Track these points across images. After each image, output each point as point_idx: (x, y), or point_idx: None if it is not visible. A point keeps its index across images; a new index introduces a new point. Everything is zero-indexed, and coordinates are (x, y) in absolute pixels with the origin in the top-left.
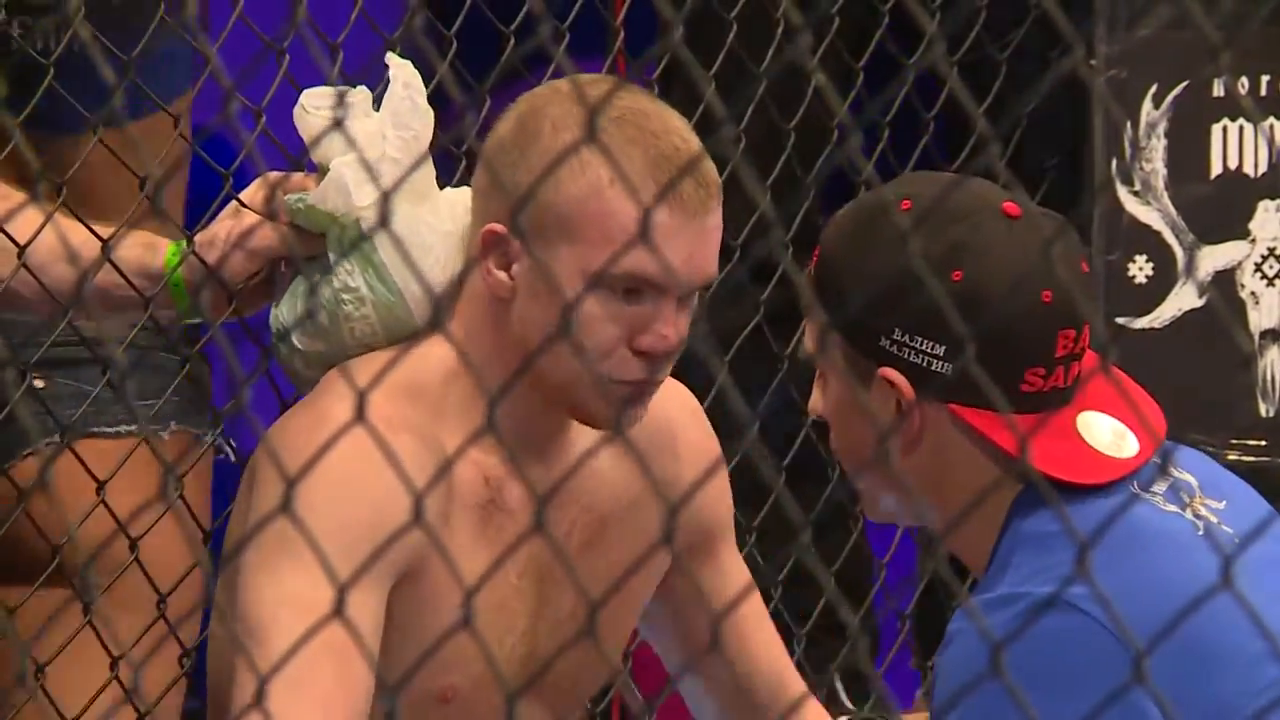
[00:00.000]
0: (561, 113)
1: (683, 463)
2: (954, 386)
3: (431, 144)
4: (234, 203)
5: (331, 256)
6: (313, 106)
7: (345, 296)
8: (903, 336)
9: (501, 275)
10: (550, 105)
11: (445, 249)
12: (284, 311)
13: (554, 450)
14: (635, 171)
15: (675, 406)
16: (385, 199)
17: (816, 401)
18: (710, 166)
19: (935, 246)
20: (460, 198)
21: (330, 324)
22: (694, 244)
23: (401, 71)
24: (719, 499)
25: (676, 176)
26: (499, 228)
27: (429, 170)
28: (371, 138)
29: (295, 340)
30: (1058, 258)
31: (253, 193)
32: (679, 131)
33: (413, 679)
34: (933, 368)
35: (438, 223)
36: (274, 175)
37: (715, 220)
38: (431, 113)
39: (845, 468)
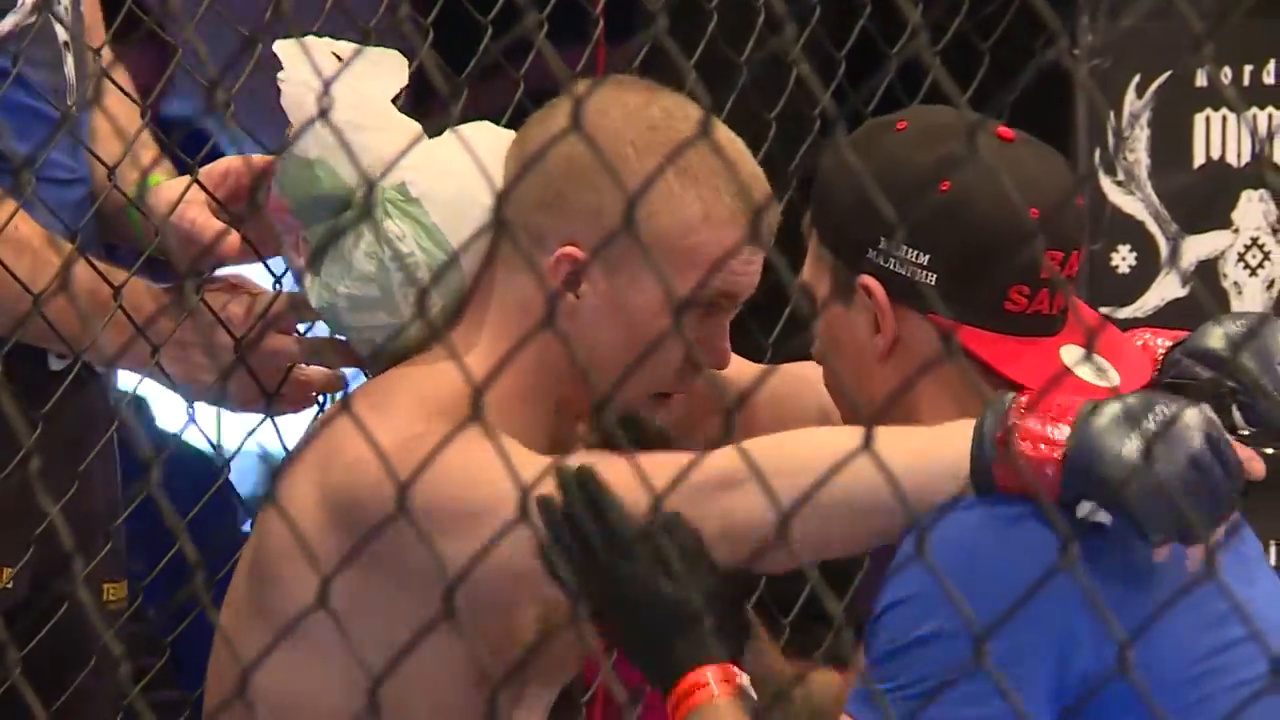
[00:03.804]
0: (641, 139)
1: None
2: (935, 298)
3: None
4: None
5: (380, 223)
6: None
7: (399, 264)
8: (888, 245)
9: (570, 295)
10: (625, 127)
11: (489, 197)
12: (326, 285)
13: (571, 447)
14: (725, 205)
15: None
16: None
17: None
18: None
19: (926, 158)
20: (486, 140)
21: (384, 294)
22: (759, 264)
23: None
24: None
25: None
26: (577, 252)
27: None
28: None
29: (348, 318)
30: (1048, 180)
31: (218, 179)
32: (747, 153)
33: (449, 665)
34: (917, 278)
35: (479, 174)
36: (246, 165)
37: None
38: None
39: (840, 408)
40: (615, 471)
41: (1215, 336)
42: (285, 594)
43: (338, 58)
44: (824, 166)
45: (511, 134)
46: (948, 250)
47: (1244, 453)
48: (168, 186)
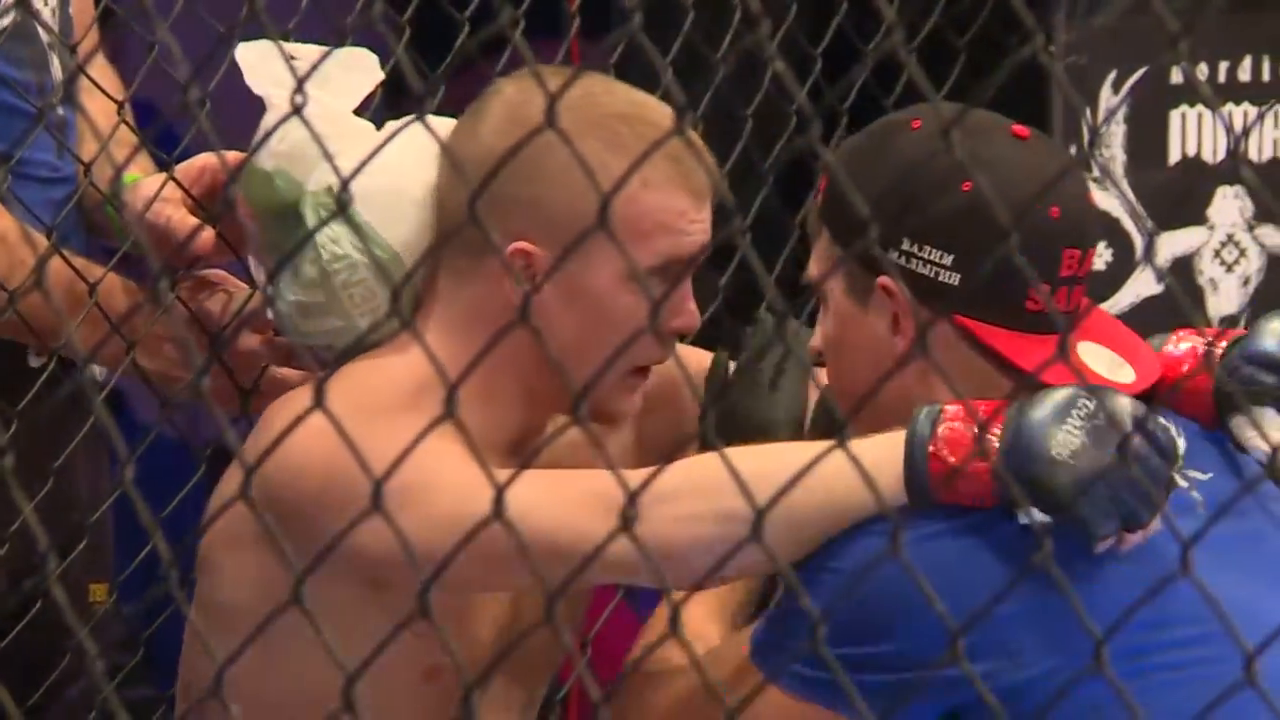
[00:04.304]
0: (565, 122)
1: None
2: (960, 299)
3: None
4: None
5: (312, 228)
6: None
7: (337, 266)
8: (910, 246)
9: (524, 289)
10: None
11: (425, 192)
12: (277, 293)
13: (533, 445)
14: (660, 169)
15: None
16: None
17: (818, 338)
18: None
19: (945, 159)
20: (422, 134)
21: (329, 298)
22: (706, 220)
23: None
24: None
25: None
26: (528, 246)
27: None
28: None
29: (297, 326)
30: (1066, 178)
31: (195, 176)
32: (670, 115)
33: (399, 660)
34: (940, 278)
35: (414, 168)
36: (223, 162)
37: None
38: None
39: (841, 402)
40: (566, 483)
41: (1273, 337)
42: (221, 583)
43: (292, 63)
44: (837, 167)
45: (452, 123)
46: (970, 251)
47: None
48: (145, 183)
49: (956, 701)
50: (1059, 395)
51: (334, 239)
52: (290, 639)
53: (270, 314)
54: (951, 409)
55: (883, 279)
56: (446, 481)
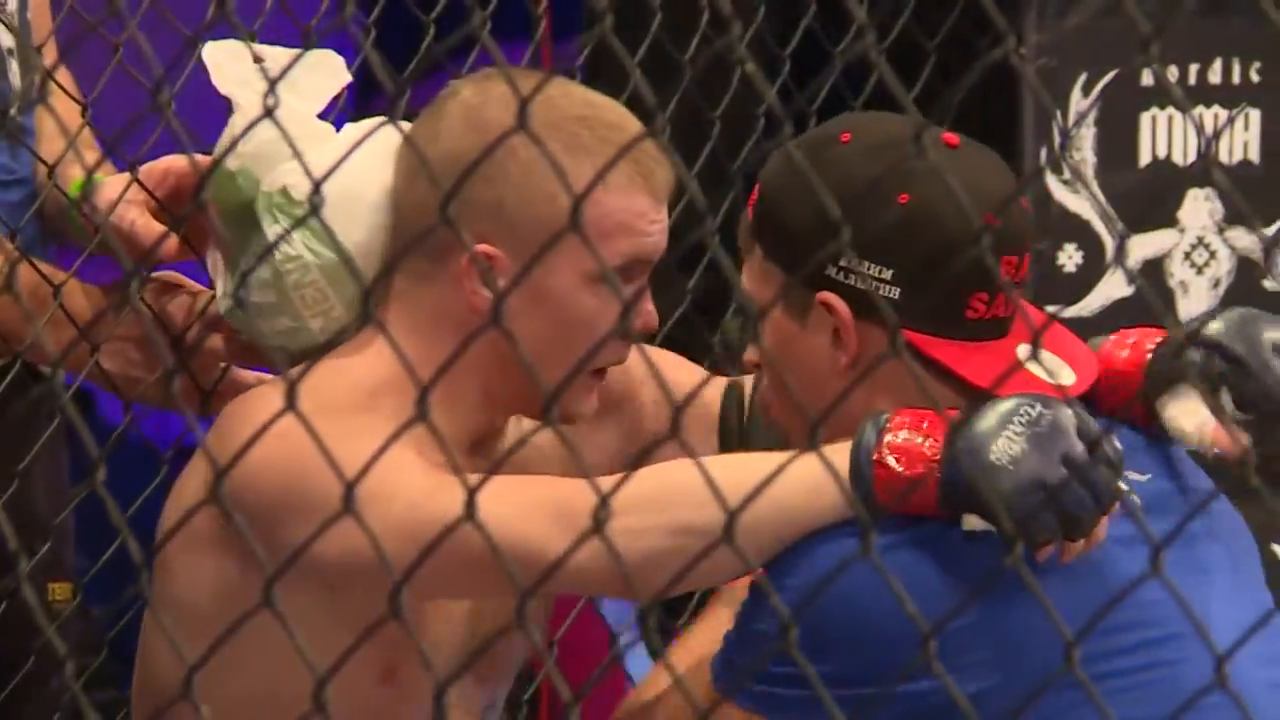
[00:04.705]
0: (528, 126)
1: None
2: (899, 311)
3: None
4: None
5: (266, 229)
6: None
7: (289, 267)
8: (849, 261)
9: (487, 293)
10: (505, 116)
11: (380, 195)
12: (228, 294)
13: (490, 449)
14: (620, 170)
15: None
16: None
17: (752, 351)
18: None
19: (879, 170)
20: (380, 137)
21: (281, 299)
22: (665, 221)
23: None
24: None
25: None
26: (490, 249)
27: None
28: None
29: (249, 325)
30: (998, 184)
31: (159, 178)
32: (627, 116)
33: (355, 662)
34: (880, 292)
35: (368, 171)
36: (187, 164)
37: None
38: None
39: (778, 416)
40: (527, 491)
41: (1205, 324)
42: (179, 583)
43: (259, 64)
44: (770, 183)
45: (407, 127)
46: (910, 263)
47: (1229, 431)
48: (108, 184)
49: (904, 715)
50: (1003, 404)
51: (287, 240)
52: (247, 641)
53: (221, 312)
54: (898, 418)
55: (823, 295)
56: (403, 486)
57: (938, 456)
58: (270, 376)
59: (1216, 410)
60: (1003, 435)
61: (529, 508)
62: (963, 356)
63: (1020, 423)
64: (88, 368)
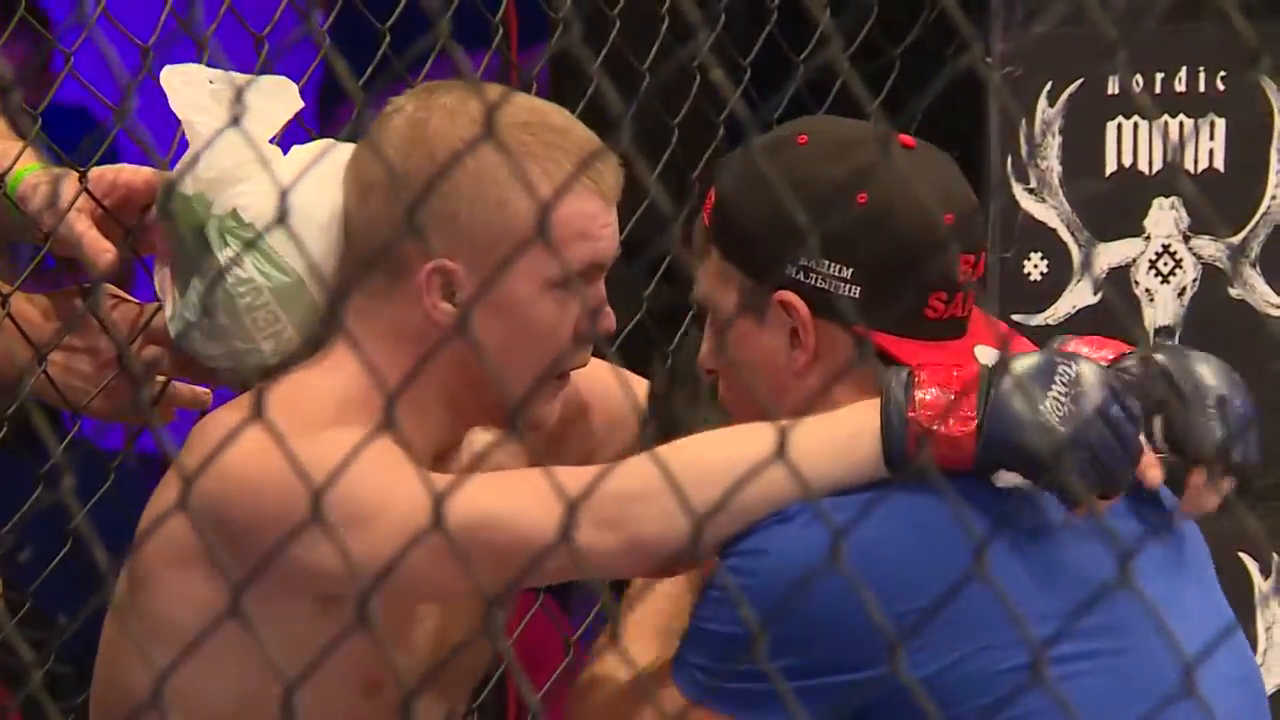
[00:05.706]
0: (469, 135)
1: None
2: (859, 311)
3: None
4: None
5: (217, 252)
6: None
7: (240, 289)
8: (809, 261)
9: (447, 306)
10: (451, 128)
11: (329, 216)
12: (180, 315)
13: (450, 462)
14: (568, 174)
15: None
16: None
17: (706, 354)
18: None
19: (837, 171)
20: (330, 156)
21: (233, 321)
22: (615, 224)
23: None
24: None
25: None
26: (448, 263)
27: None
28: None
29: (200, 347)
30: (954, 185)
31: (107, 188)
32: (572, 120)
33: (337, 674)
34: (840, 291)
35: (316, 192)
36: (138, 177)
37: None
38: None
39: (738, 416)
40: (527, 482)
41: (1144, 355)
42: (160, 596)
43: (215, 89)
44: (728, 185)
45: (351, 148)
46: (870, 262)
47: (1147, 459)
48: (36, 175)
49: (860, 703)
50: (1038, 361)
51: (238, 262)
52: (230, 651)
53: (171, 334)
54: (924, 374)
55: (781, 294)
56: (399, 493)
57: (973, 413)
58: (205, 390)
59: (1145, 435)
60: (1048, 395)
61: (543, 499)
62: (922, 355)
63: (1061, 381)
64: (34, 377)
